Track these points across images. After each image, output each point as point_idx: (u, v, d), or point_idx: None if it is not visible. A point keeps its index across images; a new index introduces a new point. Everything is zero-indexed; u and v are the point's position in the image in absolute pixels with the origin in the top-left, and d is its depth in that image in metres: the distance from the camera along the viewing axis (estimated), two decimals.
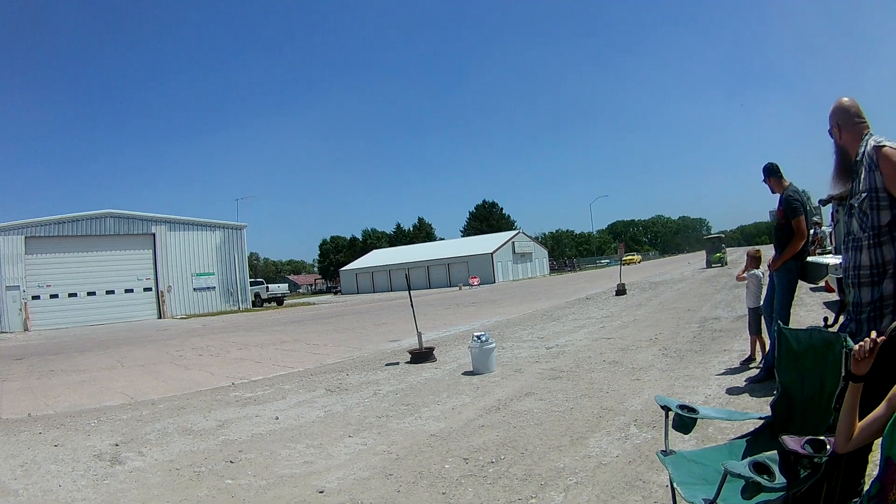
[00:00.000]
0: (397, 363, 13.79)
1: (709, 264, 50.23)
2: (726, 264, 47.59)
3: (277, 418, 9.44)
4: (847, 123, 4.02)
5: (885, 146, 3.75)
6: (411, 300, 16.40)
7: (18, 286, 46.10)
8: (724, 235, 64.82)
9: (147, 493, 6.31)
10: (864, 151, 3.88)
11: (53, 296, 48.15)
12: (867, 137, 3.92)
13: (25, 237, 47.09)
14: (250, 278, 62.93)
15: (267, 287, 65.20)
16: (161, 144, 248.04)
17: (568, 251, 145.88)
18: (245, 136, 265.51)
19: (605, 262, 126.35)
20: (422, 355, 13.66)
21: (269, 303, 62.20)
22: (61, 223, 48.92)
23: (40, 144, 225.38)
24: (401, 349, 15.98)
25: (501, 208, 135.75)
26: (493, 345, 11.81)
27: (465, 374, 11.69)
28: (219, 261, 57.21)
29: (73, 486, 6.77)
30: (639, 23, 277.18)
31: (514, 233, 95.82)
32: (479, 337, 11.67)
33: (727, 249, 56.60)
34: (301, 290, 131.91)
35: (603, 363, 11.35)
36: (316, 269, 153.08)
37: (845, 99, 4.08)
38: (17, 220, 47.70)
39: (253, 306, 58.09)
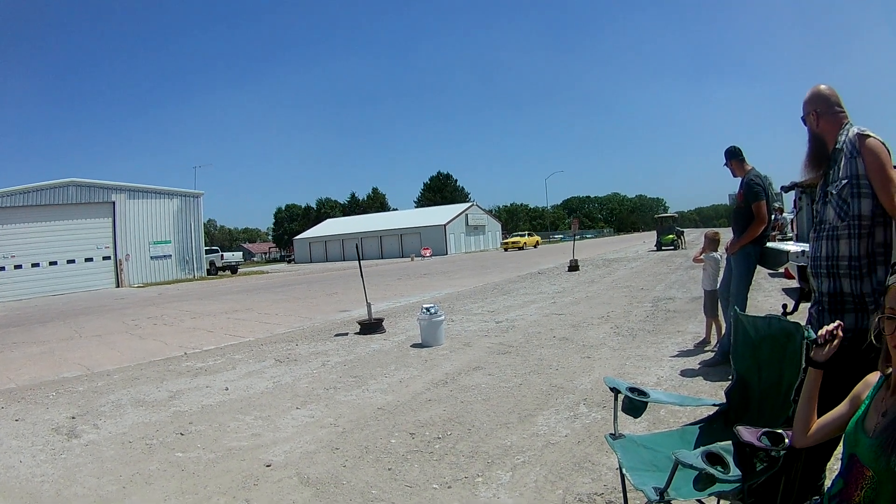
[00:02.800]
0: (346, 334, 13.84)
1: (659, 246, 46.41)
2: (680, 247, 45.64)
3: (227, 389, 9.46)
4: (826, 111, 3.93)
5: (869, 136, 3.69)
6: (361, 270, 16.66)
7: None
8: (677, 216, 61.72)
9: (101, 467, 6.32)
10: (844, 139, 3.80)
11: (17, 266, 47.29)
12: (847, 126, 3.85)
13: None
14: (206, 246, 62.27)
15: (222, 255, 64.69)
16: (121, 114, 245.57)
17: (522, 225, 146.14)
18: (203, 105, 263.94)
19: (558, 237, 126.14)
20: (371, 326, 13.71)
21: (224, 271, 61.67)
22: (25, 193, 47.44)
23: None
24: (350, 319, 16.06)
25: (456, 180, 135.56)
26: (443, 317, 11.85)
27: (414, 346, 11.74)
28: (176, 229, 56.02)
29: (32, 461, 6.79)
30: (599, 2, 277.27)
31: (467, 205, 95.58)
32: (428, 309, 11.70)
33: (683, 231, 53.44)
34: (255, 259, 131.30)
35: (553, 339, 11.31)
36: (270, 237, 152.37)
37: (823, 87, 4.01)
38: None
39: (208, 274, 57.76)
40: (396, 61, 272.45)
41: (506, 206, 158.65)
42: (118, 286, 50.84)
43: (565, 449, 5.71)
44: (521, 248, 75.54)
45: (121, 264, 51.69)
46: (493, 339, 11.80)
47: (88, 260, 50.57)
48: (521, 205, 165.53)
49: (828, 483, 3.04)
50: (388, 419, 7.16)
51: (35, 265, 47.88)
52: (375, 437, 6.54)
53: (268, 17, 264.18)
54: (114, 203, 52.27)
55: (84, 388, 10.44)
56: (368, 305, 14.56)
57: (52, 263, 48.71)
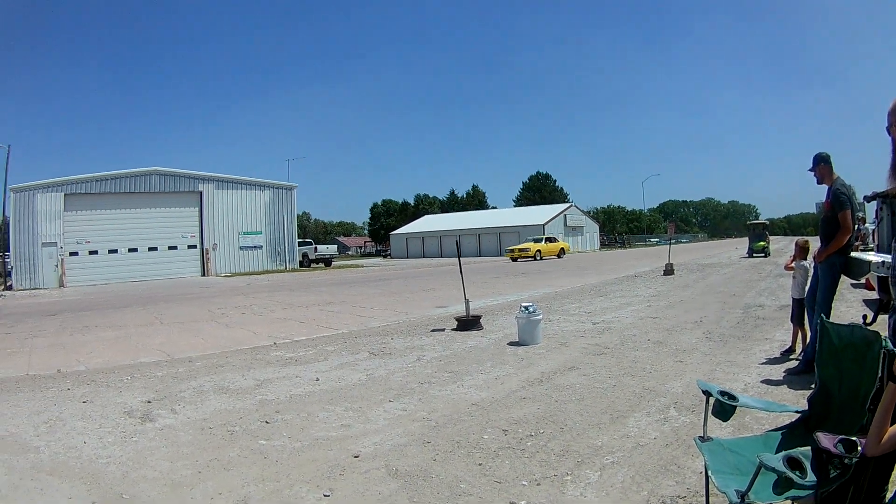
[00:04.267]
0: (443, 329, 13.86)
1: (751, 253, 45.72)
2: (769, 255, 44.67)
3: (318, 379, 9.54)
4: None
5: None
6: (461, 267, 16.37)
7: (55, 242, 46.57)
8: (768, 223, 59.30)
9: (176, 452, 6.40)
10: None
11: (92, 252, 48.65)
12: None
13: (65, 194, 47.43)
14: (299, 238, 62.75)
15: (315, 248, 65.27)
16: (214, 105, 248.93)
17: (619, 227, 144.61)
18: (300, 99, 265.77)
19: (654, 240, 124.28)
20: (468, 323, 13.74)
21: (317, 263, 62.33)
22: (103, 180, 49.33)
23: (89, 103, 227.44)
24: (447, 315, 16.07)
25: (555, 180, 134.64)
26: (541, 316, 11.80)
27: (511, 344, 11.70)
28: (267, 220, 57.22)
29: (98, 443, 6.83)
30: (689, 8, 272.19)
31: (566, 205, 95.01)
32: (526, 308, 11.63)
33: (771, 238, 52.52)
34: (350, 252, 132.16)
35: (648, 342, 11.31)
36: (366, 231, 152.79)
37: None
38: (60, 177, 47.83)
39: (300, 266, 58.28)
40: (496, 62, 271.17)
41: (603, 208, 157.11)
42: (204, 275, 52.02)
43: (653, 451, 5.72)
44: (534, 258, 57.92)
45: (207, 253, 52.82)
46: (589, 340, 11.78)
47: (172, 248, 51.84)
48: (619, 207, 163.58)
49: (889, 495, 3.07)
50: (481, 415, 7.17)
51: (112, 251, 49.31)
52: (468, 433, 6.53)
53: (366, 14, 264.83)
54: (201, 193, 53.40)
55: (163, 373, 10.63)
56: (467, 302, 14.61)
57: (132, 250, 50.05)
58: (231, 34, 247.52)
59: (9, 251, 48.04)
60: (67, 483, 5.68)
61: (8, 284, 47.40)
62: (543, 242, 62.24)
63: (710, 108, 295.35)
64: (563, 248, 65.05)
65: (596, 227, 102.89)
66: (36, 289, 44.27)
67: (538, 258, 58.20)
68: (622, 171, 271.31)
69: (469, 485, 5.17)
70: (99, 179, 49.08)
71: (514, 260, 57.57)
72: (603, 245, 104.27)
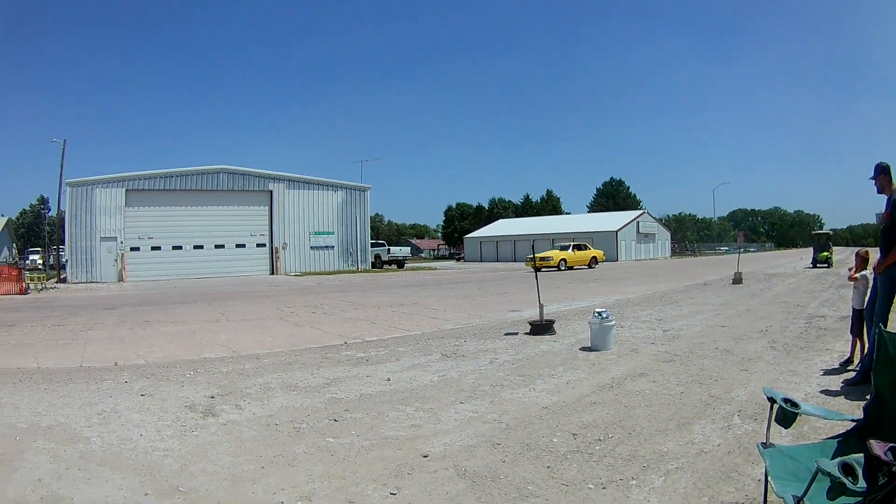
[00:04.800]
0: (516, 333, 13.91)
1: (815, 263, 44.89)
2: (832, 265, 43.77)
3: (389, 380, 9.60)
4: None
5: None
6: (536, 272, 16.77)
7: (116, 237, 47.02)
8: (832, 233, 57.81)
9: (239, 447, 6.45)
10: None
11: (155, 248, 49.00)
12: None
13: (126, 190, 47.87)
14: (372, 240, 62.51)
15: (388, 249, 65.05)
16: (281, 105, 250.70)
17: (689, 235, 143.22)
18: (373, 101, 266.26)
19: (723, 249, 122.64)
20: (542, 327, 13.77)
21: (390, 265, 62.17)
22: (168, 177, 49.70)
23: (157, 99, 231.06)
24: (521, 320, 16.10)
25: (628, 187, 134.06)
26: (613, 322, 11.90)
27: (583, 349, 11.77)
28: (339, 221, 57.23)
29: (156, 435, 6.89)
30: (751, 14, 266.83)
31: (639, 212, 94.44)
32: (600, 313, 11.72)
33: (834, 249, 50.68)
34: (423, 255, 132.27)
35: (715, 351, 11.35)
36: (440, 234, 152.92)
37: None
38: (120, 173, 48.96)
39: (373, 267, 58.29)
40: (571, 68, 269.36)
41: (675, 216, 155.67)
42: (272, 273, 52.20)
43: (716, 458, 5.79)
44: (557, 269, 49.30)
45: (277, 252, 52.93)
46: (659, 347, 11.85)
47: (240, 246, 52.14)
48: (689, 215, 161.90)
49: None
50: (552, 419, 7.21)
51: (177, 248, 49.60)
52: (538, 435, 6.57)
53: (443, 18, 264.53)
54: (271, 192, 53.51)
55: (228, 369, 10.71)
56: (541, 306, 14.64)
57: (197, 247, 50.38)
58: (305, 35, 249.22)
59: (64, 244, 48.38)
60: (119, 474, 5.75)
61: (62, 277, 48.10)
62: (571, 250, 54.07)
63: (779, 117, 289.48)
64: (594, 257, 56.28)
65: (667, 234, 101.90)
66: (92, 282, 44.84)
67: (562, 268, 49.97)
68: (694, 178, 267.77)
69: (536, 486, 5.23)
70: (163, 176, 49.68)
71: (538, 269, 44.83)
72: (674, 253, 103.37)
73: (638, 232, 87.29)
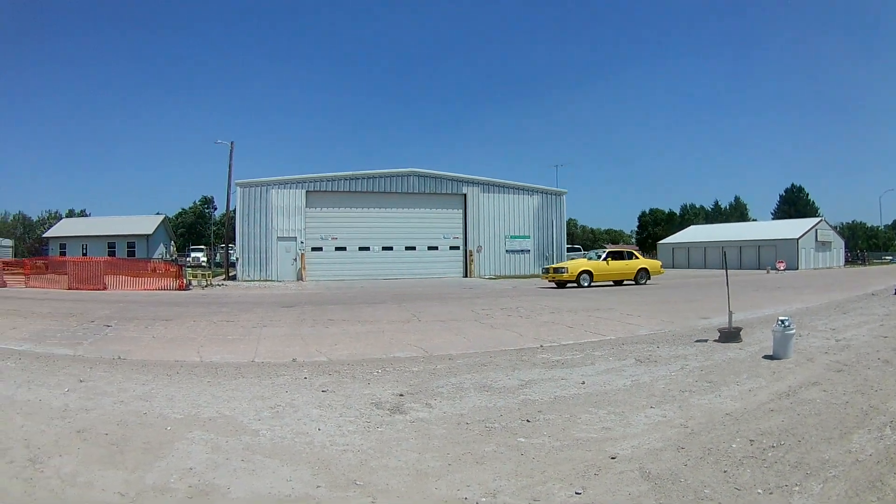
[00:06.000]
0: (706, 340, 14.31)
1: None
2: None
3: (583, 383, 9.96)
4: None
5: None
6: (727, 280, 16.89)
7: (295, 237, 48.94)
8: None
9: (426, 444, 6.74)
10: None
11: (340, 248, 50.68)
12: None
13: (307, 191, 49.73)
14: (567, 244, 62.68)
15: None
16: (474, 111, 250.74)
17: (861, 243, 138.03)
18: (568, 106, 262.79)
19: (888, 258, 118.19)
20: (730, 335, 14.18)
21: None
22: (353, 179, 51.26)
23: (344, 104, 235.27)
24: (710, 327, 16.43)
25: (807, 193, 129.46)
26: (794, 331, 12.15)
27: (765, 357, 12.11)
28: (535, 225, 57.30)
29: (336, 431, 7.22)
30: None
31: (817, 220, 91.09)
32: (783, 322, 12.02)
33: None
34: None
35: (877, 361, 11.62)
36: (634, 240, 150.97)
37: None
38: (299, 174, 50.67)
39: None
40: (754, 73, 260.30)
41: (848, 224, 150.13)
42: (465, 276, 53.21)
43: (866, 467, 6.02)
44: (577, 285, 37.39)
45: (471, 255, 53.98)
46: (831, 357, 12.09)
47: (432, 248, 53.82)
48: (859, 223, 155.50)
49: None
50: (733, 425, 7.56)
51: (363, 248, 51.53)
52: (719, 441, 6.90)
53: (639, 23, 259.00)
54: (465, 195, 54.71)
55: (418, 368, 11.16)
56: (730, 314, 15.21)
57: (386, 248, 52.21)
58: (498, 42, 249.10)
59: (234, 243, 51.66)
60: (288, 466, 6.02)
61: (231, 275, 50.71)
62: (603, 259, 40.44)
63: None
64: (643, 269, 41.18)
65: (842, 242, 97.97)
66: (266, 280, 46.80)
67: (584, 284, 37.83)
68: (861, 184, 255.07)
69: (712, 490, 5.52)
70: (348, 178, 51.36)
71: (560, 285, 38.04)
72: (846, 262, 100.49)
73: (816, 240, 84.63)
